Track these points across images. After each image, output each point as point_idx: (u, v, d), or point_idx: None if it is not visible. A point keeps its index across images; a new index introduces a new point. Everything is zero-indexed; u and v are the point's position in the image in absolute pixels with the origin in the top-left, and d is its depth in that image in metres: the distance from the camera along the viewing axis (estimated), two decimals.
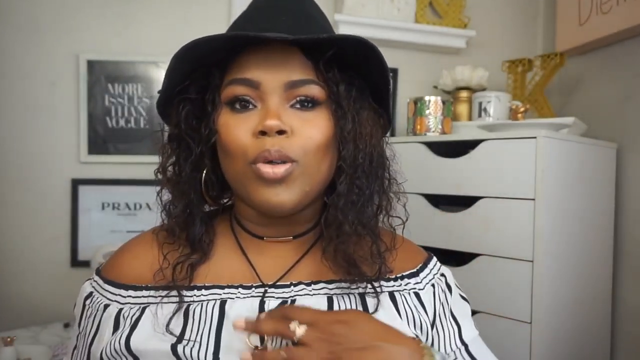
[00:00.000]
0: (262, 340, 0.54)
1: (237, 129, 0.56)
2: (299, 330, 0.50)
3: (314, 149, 0.56)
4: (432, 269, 0.68)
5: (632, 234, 1.42)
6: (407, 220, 0.65)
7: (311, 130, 0.56)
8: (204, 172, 0.61)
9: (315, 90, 0.57)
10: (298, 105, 0.57)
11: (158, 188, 0.62)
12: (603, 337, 1.41)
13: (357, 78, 0.60)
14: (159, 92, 0.60)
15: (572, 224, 1.25)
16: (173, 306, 0.56)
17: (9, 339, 1.19)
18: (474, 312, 1.26)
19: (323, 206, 0.65)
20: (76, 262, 1.59)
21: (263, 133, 0.54)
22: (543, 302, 1.15)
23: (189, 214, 0.61)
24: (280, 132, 0.54)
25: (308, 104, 0.57)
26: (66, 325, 1.47)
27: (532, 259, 1.15)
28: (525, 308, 1.15)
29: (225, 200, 0.68)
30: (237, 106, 0.57)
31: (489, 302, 1.22)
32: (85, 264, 1.54)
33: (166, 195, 0.62)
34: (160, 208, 0.62)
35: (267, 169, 0.53)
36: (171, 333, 0.54)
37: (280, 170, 0.53)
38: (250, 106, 0.56)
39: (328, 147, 0.57)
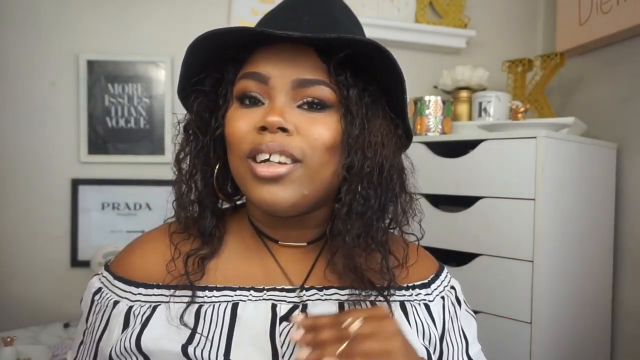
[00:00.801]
0: (274, 349, 0.54)
1: (240, 122, 0.55)
2: (355, 324, 0.48)
3: (319, 149, 0.54)
4: (443, 280, 0.68)
5: (632, 233, 1.42)
6: (422, 237, 0.64)
7: (318, 129, 0.54)
8: (217, 166, 0.61)
9: (325, 92, 0.55)
10: (306, 107, 0.55)
11: (169, 180, 0.63)
12: (603, 337, 1.41)
13: (371, 84, 0.58)
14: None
15: (572, 224, 1.25)
16: (185, 305, 0.56)
17: (9, 339, 1.19)
18: (474, 312, 1.26)
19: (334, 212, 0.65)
20: (76, 262, 1.58)
21: (264, 129, 0.53)
22: (543, 302, 1.15)
23: (199, 206, 0.61)
24: (283, 129, 0.53)
25: (317, 105, 0.55)
26: (66, 325, 1.47)
27: (532, 259, 1.15)
28: (525, 308, 1.15)
29: (239, 198, 0.67)
30: (247, 102, 0.56)
31: (489, 302, 1.22)
32: (85, 264, 1.54)
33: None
34: (174, 198, 0.62)
35: (261, 169, 0.53)
36: (185, 325, 0.54)
37: (278, 170, 0.53)
38: (259, 103, 0.56)
39: (334, 151, 0.55)
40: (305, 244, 0.62)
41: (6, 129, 1.55)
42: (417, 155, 1.36)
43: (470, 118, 1.63)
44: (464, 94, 1.64)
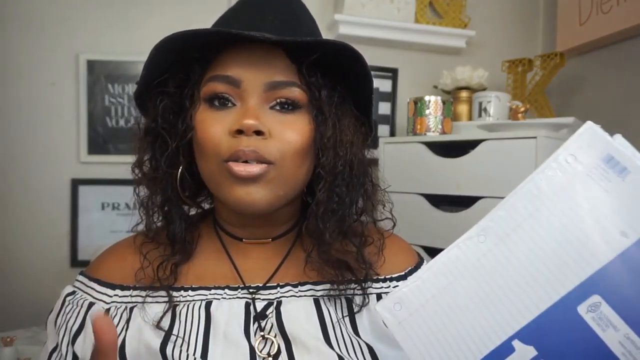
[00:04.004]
0: (251, 347, 0.54)
1: (213, 127, 0.54)
2: None
3: (291, 153, 0.54)
4: None
5: None
6: (394, 226, 0.65)
7: (291, 134, 0.54)
8: (179, 169, 0.59)
9: (296, 93, 0.55)
10: (278, 107, 0.55)
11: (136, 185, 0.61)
12: None
13: (339, 84, 0.59)
14: (136, 82, 0.59)
15: None
16: (160, 306, 0.56)
17: (9, 339, 1.19)
18: None
19: (302, 207, 0.65)
20: (76, 262, 1.59)
21: (240, 132, 0.53)
22: None
23: (168, 212, 0.60)
24: (258, 132, 0.53)
25: (288, 106, 0.55)
26: None
27: None
28: None
29: (201, 199, 0.67)
30: (216, 103, 0.55)
31: None
32: (85, 264, 1.53)
33: (143, 192, 0.61)
34: (138, 205, 0.60)
35: (239, 167, 0.52)
36: (161, 329, 0.54)
37: (254, 169, 0.52)
38: (229, 104, 0.55)
39: (307, 152, 0.56)
40: (270, 240, 0.63)
41: (6, 129, 1.55)
42: (417, 155, 1.38)
43: (470, 118, 1.63)
44: (464, 94, 1.64)
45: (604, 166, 0.39)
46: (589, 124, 0.41)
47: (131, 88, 1.62)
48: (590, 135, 0.41)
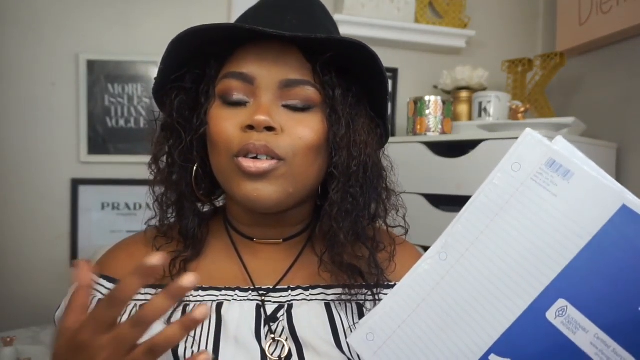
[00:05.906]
0: (262, 349, 0.54)
1: (225, 122, 0.55)
2: None
3: (304, 150, 0.54)
4: None
5: None
6: (407, 232, 0.65)
7: (303, 130, 0.54)
8: (195, 165, 0.60)
9: (310, 92, 0.55)
10: (291, 106, 0.55)
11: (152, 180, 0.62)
12: None
13: (355, 84, 0.58)
14: (155, 78, 0.60)
15: None
16: None
17: (9, 339, 1.19)
18: None
19: (314, 209, 0.64)
20: None
21: (251, 127, 0.53)
22: None
23: (181, 207, 0.60)
24: (269, 128, 0.53)
25: (302, 105, 0.55)
26: None
27: None
28: None
29: (215, 197, 0.67)
30: (230, 100, 0.56)
31: None
32: None
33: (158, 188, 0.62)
34: (153, 199, 0.62)
35: (248, 163, 0.52)
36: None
37: (263, 165, 0.52)
38: (243, 101, 0.55)
39: (319, 150, 0.56)
40: (281, 240, 0.62)
41: (6, 129, 1.55)
42: (417, 155, 1.38)
43: (470, 118, 1.63)
44: (464, 94, 1.64)
45: (548, 171, 0.40)
46: (528, 130, 0.42)
47: (131, 88, 1.62)
48: (529, 141, 0.41)
